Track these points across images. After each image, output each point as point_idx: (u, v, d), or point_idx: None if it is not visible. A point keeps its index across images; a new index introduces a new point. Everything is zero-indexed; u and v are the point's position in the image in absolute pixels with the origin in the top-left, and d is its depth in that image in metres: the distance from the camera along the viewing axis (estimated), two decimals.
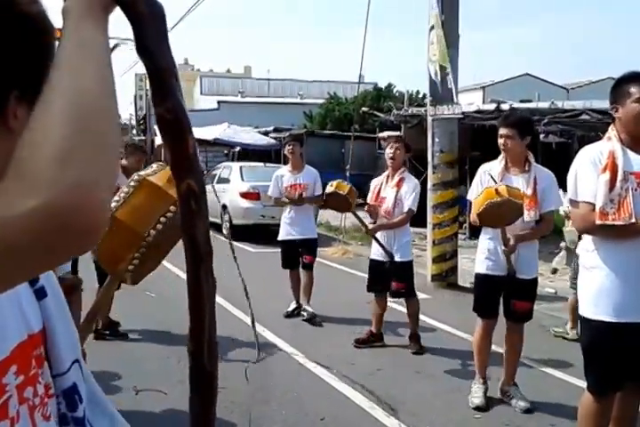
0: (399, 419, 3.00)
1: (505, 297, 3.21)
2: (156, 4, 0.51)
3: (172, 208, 3.46)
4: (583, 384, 2.40)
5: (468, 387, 3.32)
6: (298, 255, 4.97)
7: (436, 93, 6.17)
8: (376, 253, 4.10)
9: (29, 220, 0.41)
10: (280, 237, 5.07)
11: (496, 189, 2.90)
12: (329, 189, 4.20)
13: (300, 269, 4.98)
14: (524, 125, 3.18)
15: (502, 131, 3.13)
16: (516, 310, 3.21)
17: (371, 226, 4.09)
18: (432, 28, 6.04)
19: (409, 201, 3.99)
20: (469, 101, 10.61)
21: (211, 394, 0.56)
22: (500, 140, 3.13)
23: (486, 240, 3.20)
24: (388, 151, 4.10)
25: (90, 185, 0.43)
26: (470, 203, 3.30)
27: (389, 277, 4.05)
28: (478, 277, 3.26)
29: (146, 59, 0.50)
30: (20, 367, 0.55)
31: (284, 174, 5.05)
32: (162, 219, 3.55)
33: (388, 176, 4.14)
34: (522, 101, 10.15)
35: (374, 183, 4.22)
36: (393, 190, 4.02)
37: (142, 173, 3.33)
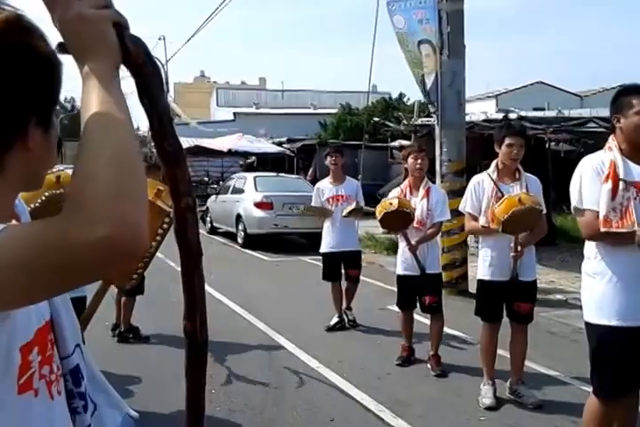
0: (407, 421, 3.08)
1: (508, 300, 3.30)
2: (155, 63, 0.65)
3: (166, 220, 3.61)
4: (589, 388, 2.44)
5: (474, 390, 3.39)
6: (339, 268, 4.90)
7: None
8: (406, 267, 3.97)
9: (92, 245, 0.52)
10: (322, 250, 5.00)
11: (519, 199, 3.01)
12: (389, 207, 3.79)
13: (344, 281, 4.91)
14: (525, 134, 3.31)
15: (513, 140, 3.17)
16: (519, 311, 3.29)
17: (413, 242, 3.86)
18: (422, 41, 6.25)
19: (440, 212, 3.94)
20: (482, 110, 10.67)
21: (203, 365, 0.71)
22: (511, 150, 3.17)
23: (487, 248, 3.30)
24: (415, 162, 3.94)
25: (138, 220, 0.55)
26: (462, 214, 3.45)
27: (419, 292, 3.96)
28: (481, 282, 3.37)
29: (149, 105, 0.63)
30: (40, 348, 0.66)
31: (324, 186, 5.01)
32: (159, 231, 3.72)
33: (409, 187, 4.03)
34: (535, 109, 10.20)
35: (394, 194, 4.08)
36: (423, 201, 3.93)
37: None
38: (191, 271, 0.66)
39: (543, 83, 29.00)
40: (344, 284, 4.97)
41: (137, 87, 0.64)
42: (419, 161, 3.94)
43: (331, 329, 4.81)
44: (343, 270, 4.96)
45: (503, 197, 3.09)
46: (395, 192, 4.16)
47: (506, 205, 3.01)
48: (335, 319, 4.87)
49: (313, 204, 5.06)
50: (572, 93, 28.21)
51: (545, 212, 3.23)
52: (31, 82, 0.64)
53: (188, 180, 0.65)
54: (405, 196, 4.00)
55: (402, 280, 4.05)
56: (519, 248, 3.13)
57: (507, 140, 3.20)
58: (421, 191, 3.98)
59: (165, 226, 3.36)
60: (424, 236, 3.91)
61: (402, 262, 4.02)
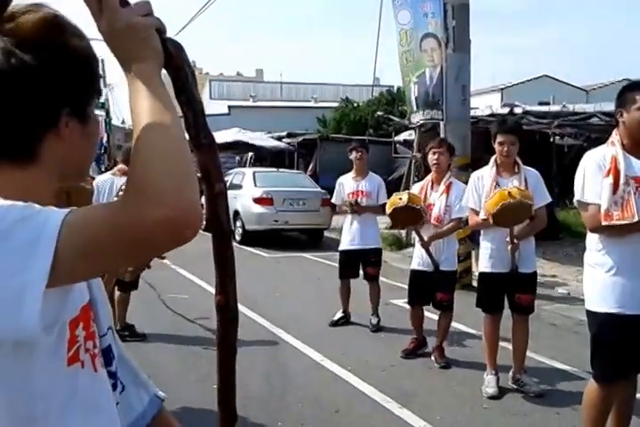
0: (412, 411, 3.12)
1: (509, 292, 3.35)
2: (191, 65, 0.71)
3: None
4: (588, 376, 2.53)
5: (477, 380, 3.44)
6: (356, 266, 4.80)
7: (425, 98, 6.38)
8: (420, 263, 3.93)
9: (156, 224, 0.58)
10: (341, 247, 4.89)
11: (509, 192, 3.08)
12: (398, 202, 3.76)
13: (364, 281, 4.82)
14: (520, 131, 3.36)
15: (504, 138, 3.24)
16: (520, 302, 3.35)
17: (426, 238, 3.83)
18: (426, 35, 6.25)
19: (459, 208, 3.80)
20: (487, 104, 10.65)
21: (234, 337, 0.76)
22: (502, 148, 3.25)
23: (487, 241, 3.37)
24: (432, 157, 3.89)
25: (196, 199, 0.61)
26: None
27: (431, 288, 3.90)
28: (482, 275, 3.44)
29: (186, 103, 0.69)
30: (84, 325, 0.71)
31: (346, 181, 4.87)
32: None
33: (431, 182, 3.96)
34: (540, 104, 10.20)
35: (416, 189, 4.06)
36: (442, 197, 3.86)
37: None
38: (224, 249, 0.72)
39: (549, 76, 28.94)
40: (353, 282, 4.89)
41: (175, 86, 0.70)
42: (435, 156, 3.88)
43: (334, 324, 4.80)
44: (361, 270, 4.84)
45: (494, 191, 3.15)
46: (416, 187, 4.12)
47: (496, 198, 3.09)
48: (339, 314, 4.85)
49: (334, 198, 4.97)
50: (578, 87, 28.17)
51: (534, 206, 3.22)
52: (63, 76, 0.69)
53: (220, 168, 0.72)
54: (426, 191, 3.94)
55: (414, 275, 4.00)
56: (515, 240, 3.18)
57: (498, 138, 3.27)
58: (442, 187, 3.90)
59: None
60: (439, 232, 3.84)
61: (417, 257, 3.98)
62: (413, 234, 4.09)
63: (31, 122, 0.68)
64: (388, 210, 3.86)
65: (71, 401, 0.67)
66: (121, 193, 3.10)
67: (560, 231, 8.66)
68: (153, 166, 0.60)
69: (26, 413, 0.64)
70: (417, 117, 6.90)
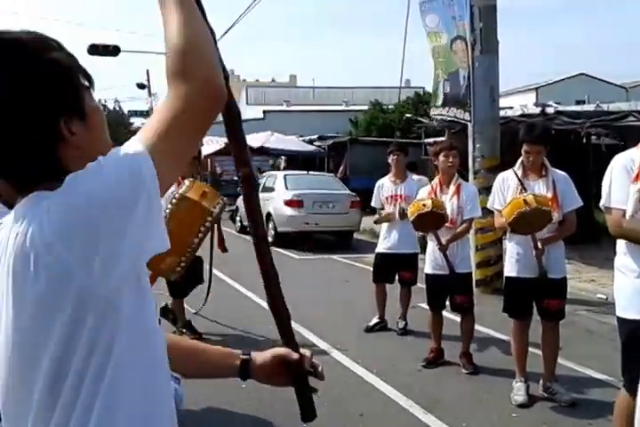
0: (437, 417, 3.08)
1: (537, 298, 3.28)
2: (237, 106, 0.90)
3: (209, 219, 3.84)
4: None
5: (506, 387, 3.37)
6: (391, 270, 4.76)
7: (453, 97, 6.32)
8: (435, 267, 3.92)
9: (200, 90, 0.73)
10: (377, 250, 4.89)
11: (524, 200, 3.04)
12: (423, 208, 3.76)
13: (399, 285, 4.80)
14: (548, 138, 3.28)
15: (530, 148, 3.20)
16: (549, 308, 3.28)
17: (444, 241, 3.81)
18: (456, 38, 6.19)
19: (469, 209, 3.87)
20: (521, 103, 10.42)
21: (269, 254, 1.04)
22: (527, 156, 3.21)
23: (514, 244, 3.31)
24: (446, 160, 3.88)
25: (219, 74, 0.76)
26: (491, 211, 3.46)
27: (448, 291, 3.91)
28: (509, 279, 3.37)
29: (232, 137, 0.89)
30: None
31: (385, 184, 4.86)
32: (202, 228, 3.94)
33: (439, 184, 3.98)
34: (577, 102, 9.90)
35: (424, 193, 4.06)
36: (453, 198, 3.89)
37: (180, 191, 3.83)
38: (255, 202, 0.94)
39: (586, 75, 28.10)
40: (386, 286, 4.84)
41: (228, 129, 0.89)
42: (450, 159, 3.89)
43: (369, 330, 4.73)
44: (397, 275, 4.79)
45: (511, 199, 3.13)
46: (424, 191, 4.11)
47: (511, 206, 3.07)
48: (375, 320, 4.80)
49: (373, 201, 4.95)
50: (617, 85, 27.25)
51: (565, 209, 3.19)
52: (56, 89, 0.76)
53: (249, 153, 0.94)
54: (436, 193, 3.95)
55: (430, 279, 4.01)
56: (539, 245, 3.12)
57: (524, 147, 3.22)
58: (452, 188, 3.93)
59: (208, 224, 3.51)
60: (454, 234, 3.85)
61: (431, 261, 3.98)
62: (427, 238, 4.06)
63: (41, 147, 0.75)
64: (412, 216, 3.85)
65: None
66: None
67: (599, 234, 8.36)
68: (202, 60, 0.74)
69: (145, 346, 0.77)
70: (436, 111, 6.83)
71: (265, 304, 0.87)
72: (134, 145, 0.71)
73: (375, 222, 5.08)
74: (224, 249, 4.27)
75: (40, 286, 0.70)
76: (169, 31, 0.75)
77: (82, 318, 0.71)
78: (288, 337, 1.00)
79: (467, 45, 6.18)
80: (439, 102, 6.79)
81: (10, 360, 0.74)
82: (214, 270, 7.29)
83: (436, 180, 4.04)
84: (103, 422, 0.72)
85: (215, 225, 3.76)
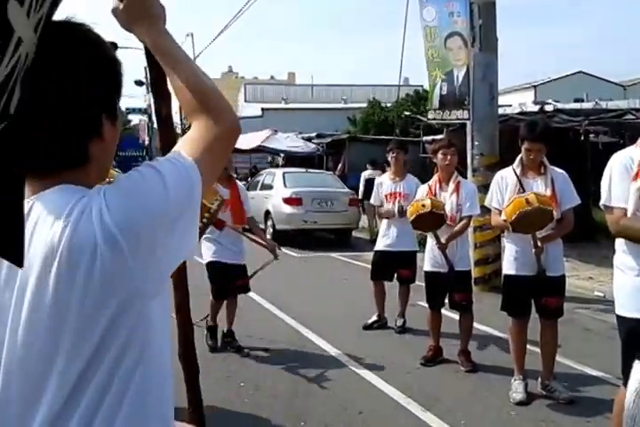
0: (436, 415, 3.08)
1: (536, 295, 3.28)
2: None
3: (206, 215, 3.88)
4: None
5: (505, 385, 3.37)
6: (390, 268, 4.78)
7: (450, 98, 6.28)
8: (434, 264, 3.93)
9: (229, 129, 0.87)
10: (376, 247, 4.91)
11: (526, 199, 3.03)
12: (422, 209, 3.76)
13: (397, 283, 4.82)
14: (549, 136, 3.27)
15: (530, 146, 3.19)
16: (548, 306, 3.28)
17: (443, 240, 3.82)
18: (451, 34, 6.17)
19: (468, 206, 3.88)
20: (519, 101, 10.42)
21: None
22: (528, 154, 3.21)
23: (511, 243, 3.32)
24: (444, 158, 3.90)
25: (236, 115, 0.90)
26: (489, 209, 3.45)
27: (447, 289, 3.92)
28: (507, 277, 3.37)
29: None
30: None
31: (384, 181, 4.90)
32: (200, 224, 3.95)
33: (439, 182, 3.99)
34: (576, 100, 9.89)
35: (422, 191, 4.07)
36: (453, 195, 3.90)
37: None
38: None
39: (584, 72, 28.11)
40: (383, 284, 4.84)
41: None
42: (448, 157, 3.91)
43: (368, 328, 4.74)
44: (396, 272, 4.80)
45: (512, 198, 3.12)
46: (423, 189, 4.10)
47: (513, 206, 3.06)
48: (374, 318, 4.81)
49: (372, 198, 4.98)
50: (615, 83, 27.26)
51: (563, 208, 3.19)
52: (111, 85, 0.83)
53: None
54: (435, 191, 3.95)
55: (430, 277, 4.01)
56: (538, 244, 3.12)
57: (525, 144, 3.22)
58: (451, 186, 3.94)
59: (206, 220, 3.53)
60: (453, 232, 3.86)
61: (430, 259, 3.98)
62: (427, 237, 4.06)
63: (83, 135, 0.79)
64: (412, 216, 3.85)
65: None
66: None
67: (597, 232, 8.37)
68: (217, 98, 0.87)
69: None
70: (433, 115, 6.82)
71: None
72: (186, 160, 0.80)
73: (380, 216, 5.05)
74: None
75: (92, 282, 0.71)
76: (184, 80, 0.86)
77: (122, 317, 0.74)
78: (194, 392, 1.04)
79: (464, 42, 6.16)
80: (436, 105, 6.75)
81: (41, 352, 0.75)
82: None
83: (435, 177, 4.05)
84: (132, 421, 0.75)
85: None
